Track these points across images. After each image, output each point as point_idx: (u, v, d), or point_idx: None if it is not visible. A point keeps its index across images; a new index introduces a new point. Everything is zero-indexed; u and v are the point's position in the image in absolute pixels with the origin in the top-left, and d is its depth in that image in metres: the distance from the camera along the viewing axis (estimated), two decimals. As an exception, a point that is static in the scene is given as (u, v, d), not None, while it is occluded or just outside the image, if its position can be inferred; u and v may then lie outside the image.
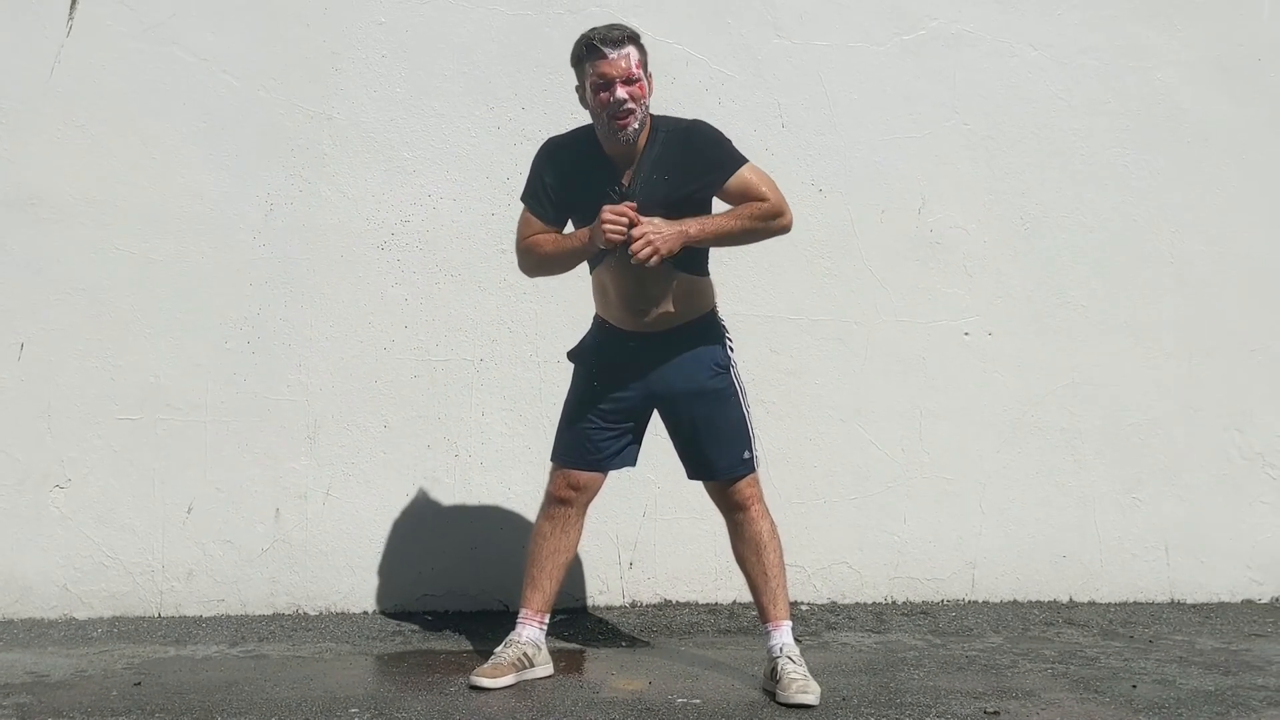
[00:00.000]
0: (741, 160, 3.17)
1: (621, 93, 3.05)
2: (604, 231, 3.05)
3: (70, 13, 3.90)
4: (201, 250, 3.94)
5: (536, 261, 3.25)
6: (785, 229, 3.22)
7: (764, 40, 4.18)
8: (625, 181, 3.14)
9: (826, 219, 4.19)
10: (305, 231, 3.98)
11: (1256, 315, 4.37)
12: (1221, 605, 4.28)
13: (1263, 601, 4.34)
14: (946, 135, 4.26)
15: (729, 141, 3.19)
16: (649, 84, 3.13)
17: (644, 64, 3.12)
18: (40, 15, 3.89)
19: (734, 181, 3.15)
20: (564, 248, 3.19)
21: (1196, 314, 4.35)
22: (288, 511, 3.95)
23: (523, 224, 3.26)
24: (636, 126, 3.09)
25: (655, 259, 3.03)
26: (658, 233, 3.03)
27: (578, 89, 3.17)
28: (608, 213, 3.05)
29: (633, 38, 3.11)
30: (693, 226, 3.09)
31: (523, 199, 3.26)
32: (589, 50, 3.08)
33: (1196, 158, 4.37)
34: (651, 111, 3.16)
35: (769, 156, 4.05)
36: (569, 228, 3.26)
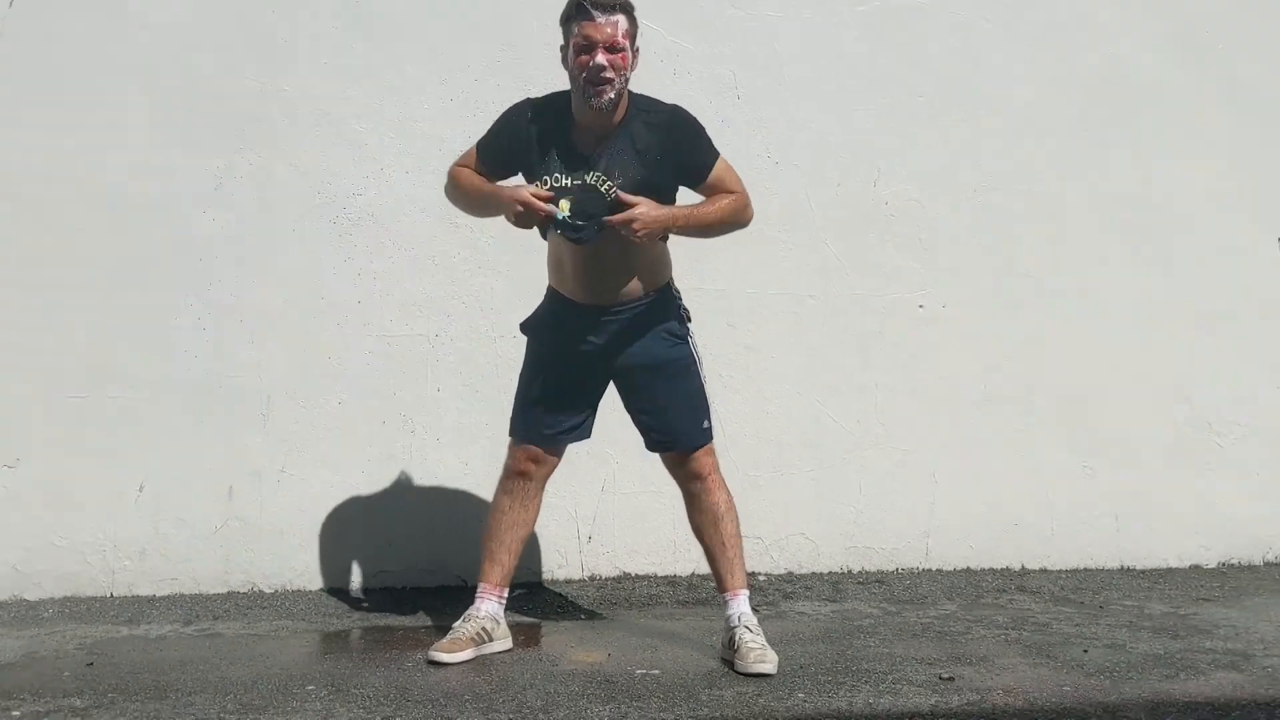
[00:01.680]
0: (717, 154, 3.20)
1: (602, 59, 3.02)
2: (513, 212, 3.05)
3: (10, -18, 3.81)
4: (151, 225, 3.88)
5: (455, 191, 3.25)
6: (748, 222, 3.27)
7: (719, 12, 4.16)
8: (592, 154, 3.11)
9: (781, 191, 4.19)
10: (256, 206, 3.92)
11: (1205, 285, 4.44)
12: (1170, 571, 4.36)
13: (1210, 567, 4.43)
14: (901, 107, 4.27)
15: (706, 133, 3.19)
16: (633, 58, 3.10)
17: (632, 36, 3.09)
18: (-22, -16, 3.80)
19: (711, 176, 3.18)
20: (479, 194, 3.18)
21: (1147, 285, 4.41)
22: (241, 489, 3.91)
23: (465, 155, 3.26)
24: (613, 97, 3.06)
25: (639, 239, 3.04)
26: (648, 217, 3.03)
27: (561, 48, 3.13)
28: (529, 198, 3.03)
29: (625, 7, 3.08)
30: (680, 217, 3.11)
31: (477, 143, 3.24)
32: (578, 10, 3.05)
33: (1150, 129, 4.41)
34: (629, 89, 3.14)
35: (724, 128, 4.03)
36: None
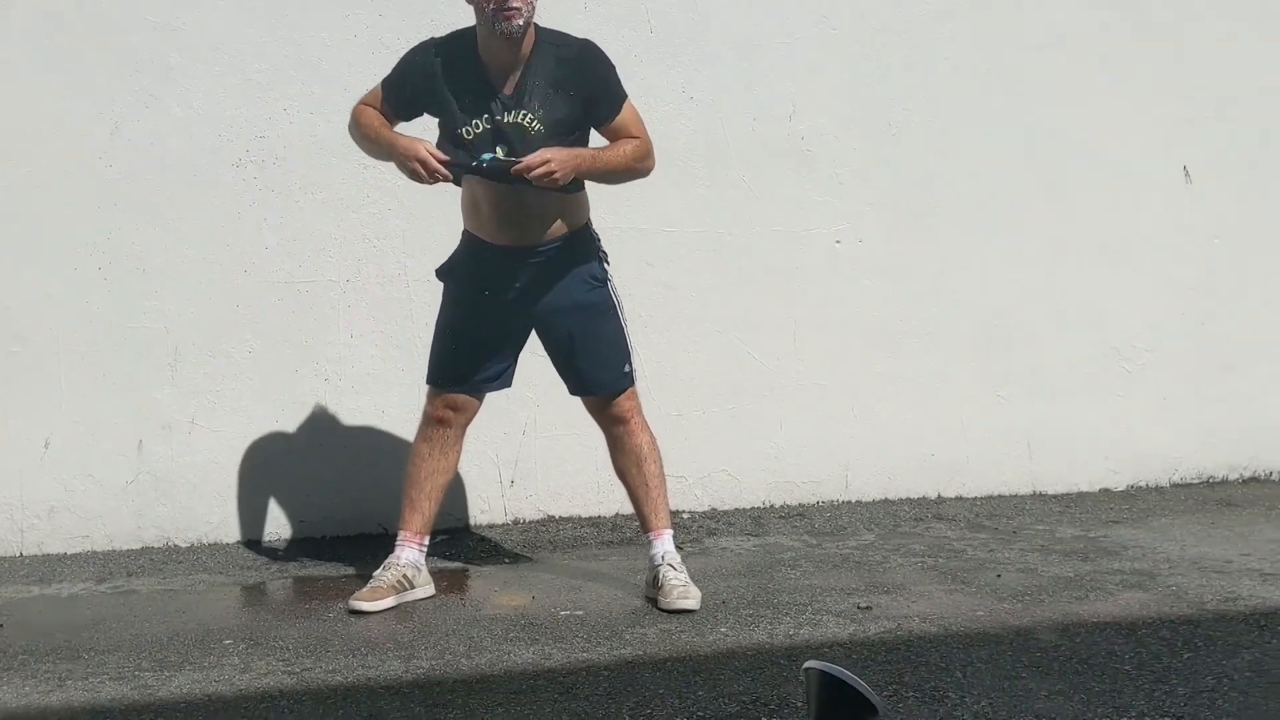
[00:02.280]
0: (625, 94, 3.15)
1: None
2: (408, 168, 3.00)
3: (-123, -85, 3.59)
4: (44, 172, 3.72)
5: (356, 132, 3.19)
6: (649, 171, 3.24)
7: (629, -56, 4.08)
8: (507, 92, 3.05)
9: (697, 127, 4.15)
10: (154, 150, 3.78)
11: (1114, 215, 4.51)
12: (1081, 495, 4.48)
13: (1118, 490, 4.56)
14: (815, 41, 4.24)
15: (615, 72, 3.14)
16: None
17: None
18: None
19: (619, 118, 3.14)
20: (377, 139, 3.11)
21: (1058, 217, 4.47)
22: (151, 443, 3.82)
23: (369, 94, 3.19)
24: (521, 24, 3.00)
25: (549, 182, 3.00)
26: (561, 160, 2.98)
27: None
28: (426, 157, 2.98)
29: None
30: (586, 158, 3.07)
31: (382, 81, 3.17)
32: None
33: (1063, 65, 4.44)
34: (536, 23, 3.07)
35: (637, 63, 3.98)
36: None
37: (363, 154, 3.70)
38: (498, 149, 3.04)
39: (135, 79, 3.76)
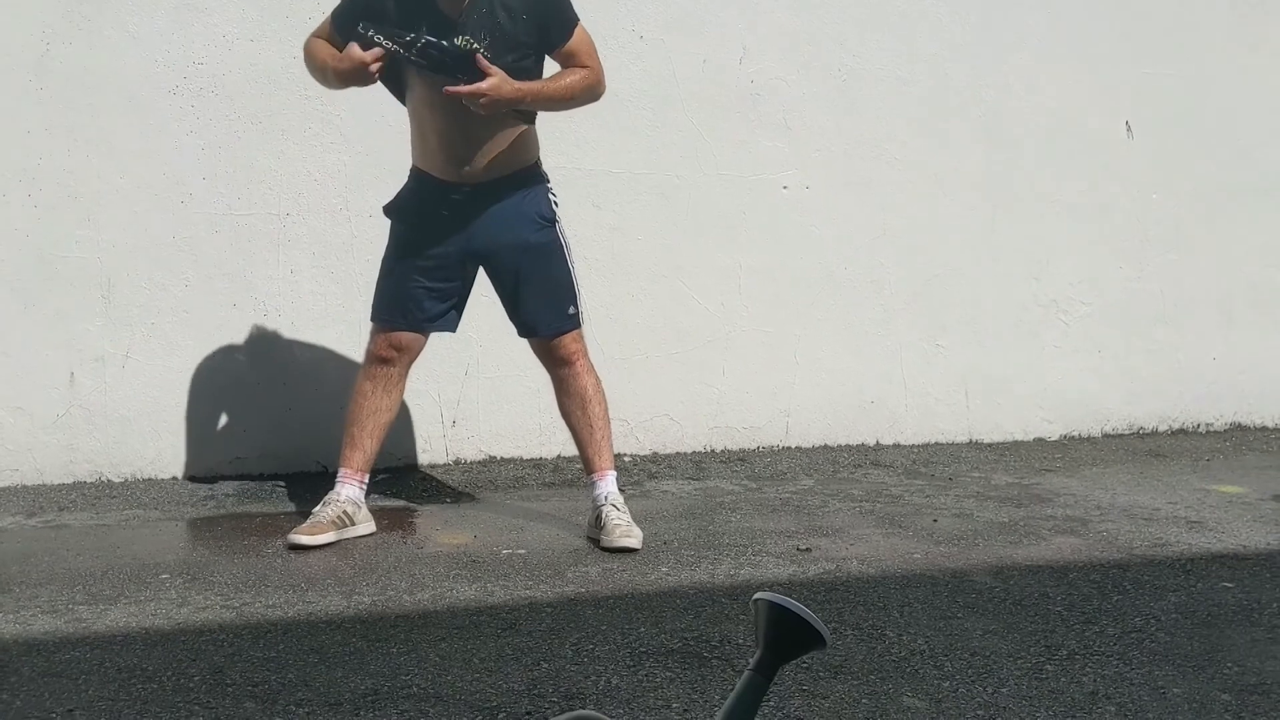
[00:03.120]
0: (577, 19, 3.11)
1: None
2: (347, 65, 2.95)
3: None
4: (-33, 93, 3.58)
5: (306, 60, 3.14)
6: (599, 97, 3.19)
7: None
8: (453, 15, 2.99)
9: (647, 68, 4.11)
10: (87, 74, 3.65)
11: (1055, 168, 4.56)
12: (1015, 444, 4.57)
13: (1052, 439, 4.65)
14: (766, -16, 4.21)
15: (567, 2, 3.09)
16: None
17: None
18: None
19: (570, 45, 3.09)
20: (323, 61, 3.06)
21: (1000, 167, 4.51)
22: (83, 376, 3.73)
23: (319, 27, 3.14)
24: None
25: (487, 111, 2.96)
26: (497, 91, 2.94)
27: None
28: (358, 50, 2.93)
29: None
30: (529, 92, 3.02)
31: (332, 10, 3.12)
32: None
33: (1006, 13, 4.46)
34: None
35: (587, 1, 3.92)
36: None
37: (306, 84, 3.61)
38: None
39: (67, 0, 3.62)
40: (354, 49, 2.96)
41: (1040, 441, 4.62)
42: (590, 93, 3.15)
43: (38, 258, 3.66)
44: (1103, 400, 4.69)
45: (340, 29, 3.08)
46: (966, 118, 4.45)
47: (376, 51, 2.94)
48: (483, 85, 2.93)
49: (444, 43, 2.94)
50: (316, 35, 3.13)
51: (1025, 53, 4.49)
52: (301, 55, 3.19)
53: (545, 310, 3.23)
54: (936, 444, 4.50)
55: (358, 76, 2.99)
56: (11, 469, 3.70)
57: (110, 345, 3.73)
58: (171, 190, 3.74)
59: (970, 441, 4.56)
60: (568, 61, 3.11)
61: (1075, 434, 4.68)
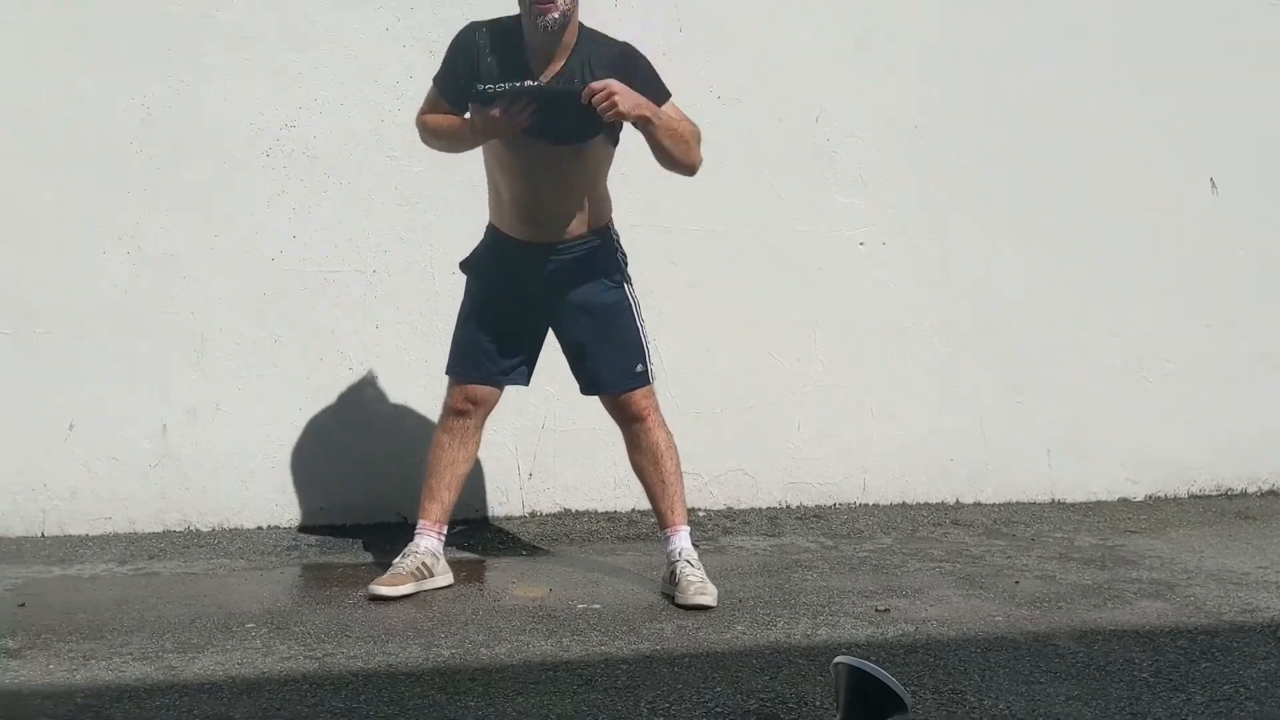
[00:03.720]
0: (669, 94, 3.15)
1: None
2: (486, 120, 3.00)
3: (-82, -103, 3.62)
4: (75, 158, 3.75)
5: (428, 136, 3.24)
6: (697, 164, 3.20)
7: (661, -57, 4.09)
8: (543, 81, 3.07)
9: (724, 128, 4.14)
10: (186, 137, 3.81)
11: (1137, 220, 4.50)
12: (1099, 504, 4.47)
13: (1137, 500, 4.55)
14: (842, 44, 4.25)
15: (656, 72, 3.15)
16: None
17: None
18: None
19: (664, 109, 3.11)
20: (449, 128, 3.16)
21: (1079, 220, 4.46)
22: (176, 427, 3.84)
23: (428, 97, 3.23)
24: (558, 17, 3.02)
25: (613, 112, 2.97)
26: (625, 91, 2.97)
27: None
28: (509, 114, 2.99)
29: None
30: (649, 108, 3.03)
31: (434, 79, 3.20)
32: None
33: (1084, 68, 4.44)
34: (581, 23, 3.11)
35: (666, 62, 3.95)
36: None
37: (392, 146, 3.76)
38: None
39: (168, 65, 3.78)
40: (489, 115, 3.01)
41: (1125, 502, 4.52)
42: (693, 146, 3.15)
43: (135, 313, 3.80)
44: (1189, 460, 4.58)
45: (445, 90, 3.17)
46: (1046, 172, 4.42)
47: (500, 108, 2.98)
48: (600, 83, 2.96)
49: (550, 86, 3.02)
50: (424, 111, 3.22)
51: (1106, 106, 4.45)
52: (415, 128, 3.27)
53: (612, 368, 3.26)
54: (1018, 503, 4.43)
55: (495, 128, 3.04)
56: (105, 517, 3.82)
57: (201, 398, 3.85)
58: (263, 248, 3.87)
59: (1053, 501, 4.48)
60: None
61: (1161, 494, 4.57)
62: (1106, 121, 4.46)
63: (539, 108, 3.00)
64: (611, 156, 3.26)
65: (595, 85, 2.97)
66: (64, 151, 3.74)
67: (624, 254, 3.31)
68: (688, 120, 3.14)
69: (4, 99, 3.70)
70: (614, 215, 3.35)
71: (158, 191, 3.80)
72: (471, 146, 3.21)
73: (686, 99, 3.97)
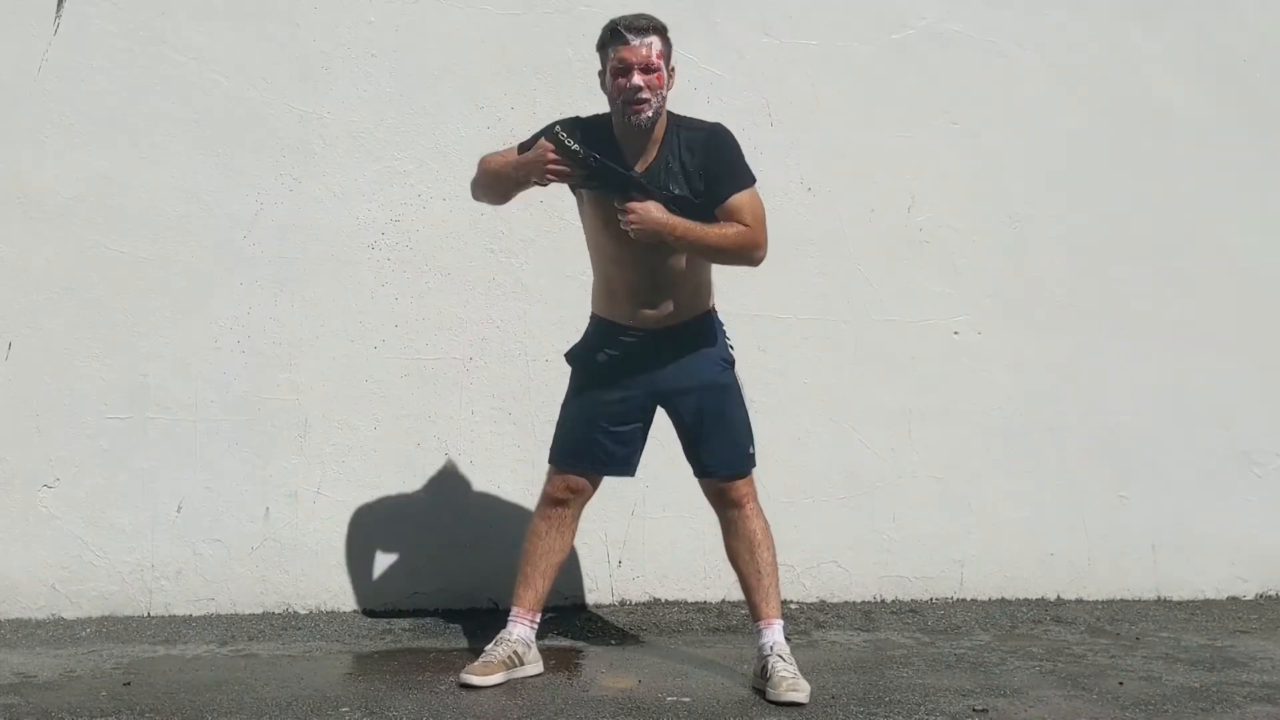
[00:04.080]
0: (750, 180, 3.19)
1: (638, 80, 3.07)
2: (545, 166, 3.09)
3: (57, 12, 3.89)
4: (191, 249, 3.94)
5: (479, 176, 3.30)
6: (757, 262, 3.23)
7: (752, 39, 4.18)
8: (640, 170, 3.15)
9: (815, 217, 4.20)
10: (295, 230, 3.97)
11: (1242, 313, 4.40)
12: (1207, 602, 4.31)
13: (1247, 599, 4.37)
14: (934, 133, 4.27)
15: (743, 156, 3.21)
16: (669, 76, 3.15)
17: (666, 56, 3.14)
18: (27, 14, 3.87)
19: (734, 199, 3.16)
20: (499, 166, 3.23)
21: (1183, 313, 4.38)
22: (277, 510, 3.95)
23: (494, 155, 3.31)
24: (650, 115, 3.11)
25: (632, 230, 3.07)
26: (648, 214, 3.06)
27: (600, 74, 3.19)
28: (549, 153, 3.09)
29: (658, 28, 3.14)
30: (679, 226, 3.10)
31: (520, 144, 3.28)
32: (613, 36, 3.12)
33: (1182, 156, 4.39)
34: (669, 110, 3.19)
35: (758, 155, 4.02)
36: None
37: (491, 238, 3.86)
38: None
39: (280, 163, 3.96)
40: (540, 144, 3.13)
41: (1234, 600, 4.35)
42: (745, 252, 3.17)
43: (243, 399, 3.94)
44: (1304, 557, 4.40)
45: (523, 147, 3.24)
46: (1142, 260, 4.36)
47: (556, 155, 3.09)
48: (633, 204, 3.06)
49: (616, 166, 3.11)
50: (489, 156, 3.31)
51: (1210, 194, 4.39)
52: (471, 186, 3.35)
53: (727, 451, 3.28)
54: (1122, 600, 4.29)
55: (536, 168, 3.13)
56: (208, 598, 3.92)
57: (303, 482, 3.96)
58: (365, 337, 3.99)
59: (1158, 599, 4.33)
60: (728, 216, 3.16)
61: (1272, 593, 4.39)
62: (1207, 207, 4.40)
63: (591, 175, 3.09)
64: None
65: (634, 204, 3.06)
66: (182, 245, 3.92)
67: (730, 338, 3.35)
68: (733, 225, 3.13)
69: (123, 196, 3.90)
70: (714, 303, 3.39)
71: (267, 282, 3.95)
72: (506, 185, 3.25)
73: (777, 191, 4.05)
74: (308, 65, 3.98)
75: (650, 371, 3.26)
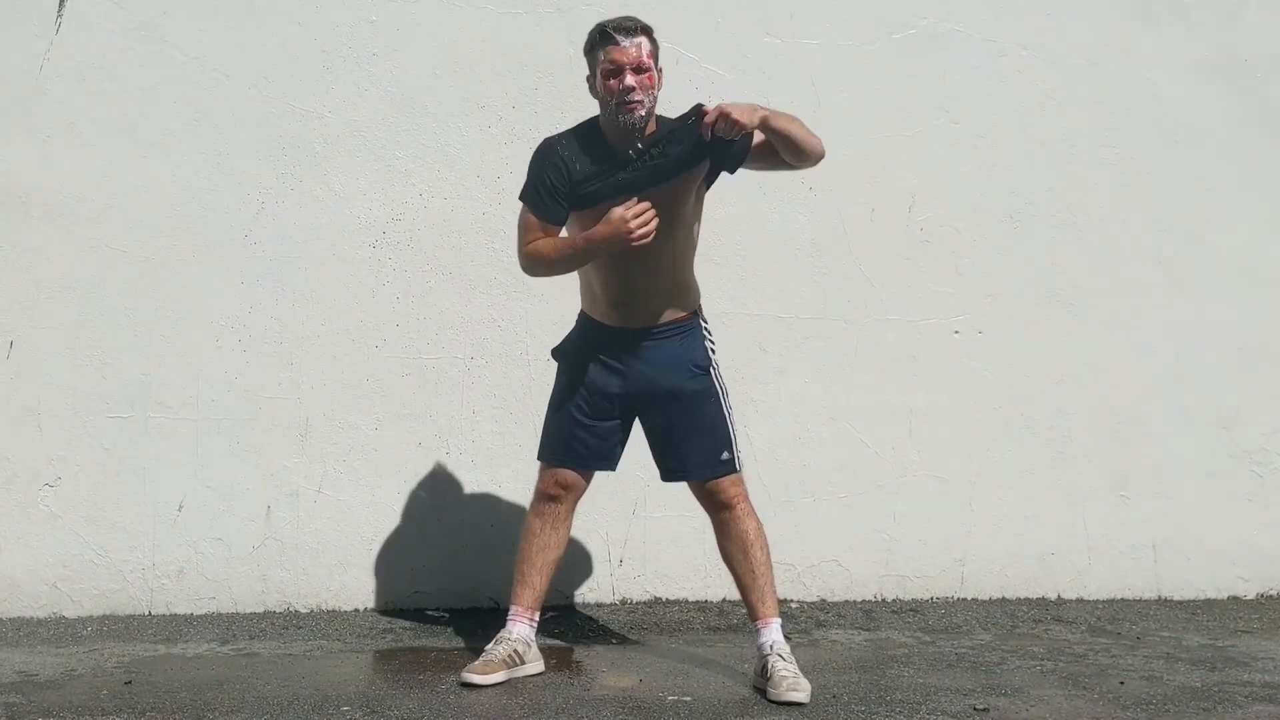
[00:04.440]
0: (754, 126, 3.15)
1: (631, 80, 3.08)
2: (629, 230, 3.05)
3: (59, 10, 3.89)
4: (193, 248, 3.94)
5: (540, 266, 3.25)
6: (823, 150, 3.22)
7: (754, 39, 4.18)
8: (630, 153, 3.14)
9: (816, 217, 4.20)
10: (296, 229, 3.98)
11: (1243, 313, 4.40)
12: (1208, 602, 4.31)
13: (1248, 598, 4.37)
14: (936, 134, 4.27)
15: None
16: (659, 77, 3.16)
17: (655, 56, 3.16)
18: (29, 13, 3.88)
19: (760, 130, 3.13)
20: (566, 251, 3.19)
21: (1183, 312, 4.37)
22: (279, 509, 3.95)
23: (522, 227, 3.26)
24: (643, 114, 3.12)
25: (736, 128, 3.04)
26: (735, 106, 3.05)
27: (589, 79, 3.20)
28: (628, 213, 3.05)
29: (646, 29, 3.16)
30: (768, 113, 3.10)
31: (521, 198, 3.27)
32: (602, 37, 3.13)
33: (1183, 156, 4.39)
34: (658, 113, 3.20)
35: (759, 155, 4.06)
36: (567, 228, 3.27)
37: (491, 237, 3.87)
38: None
39: (281, 162, 3.97)
40: (615, 213, 3.07)
41: (1235, 600, 4.35)
42: (814, 138, 3.18)
43: (244, 398, 3.94)
44: (1305, 557, 4.40)
45: (540, 212, 3.21)
46: (1143, 261, 4.36)
47: (641, 206, 3.06)
48: (721, 105, 3.04)
49: (678, 122, 3.13)
50: (529, 241, 3.23)
51: (1209, 198, 4.39)
52: (520, 256, 3.28)
53: (697, 455, 3.28)
54: (1122, 600, 4.29)
55: (622, 242, 3.07)
56: (209, 597, 3.92)
57: (304, 481, 3.96)
58: (367, 336, 3.99)
59: (1159, 598, 4.33)
60: (766, 147, 3.18)
61: (1273, 593, 4.39)
62: (1210, 208, 4.40)
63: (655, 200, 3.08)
64: (696, 244, 3.32)
65: (708, 116, 3.04)
66: (183, 243, 3.93)
67: (712, 341, 3.35)
68: (799, 120, 3.16)
69: (125, 194, 3.91)
70: (704, 302, 3.38)
71: (268, 281, 3.96)
72: (584, 260, 3.20)
73: (780, 191, 4.05)
74: (309, 64, 3.98)
75: (626, 371, 3.27)
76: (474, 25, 4.05)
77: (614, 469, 3.41)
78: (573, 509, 3.37)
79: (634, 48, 3.10)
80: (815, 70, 4.21)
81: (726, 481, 3.28)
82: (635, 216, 3.06)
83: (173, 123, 3.93)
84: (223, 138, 3.95)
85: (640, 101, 3.10)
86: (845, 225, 4.23)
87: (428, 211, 4.02)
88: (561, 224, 3.25)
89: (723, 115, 3.04)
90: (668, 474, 3.35)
